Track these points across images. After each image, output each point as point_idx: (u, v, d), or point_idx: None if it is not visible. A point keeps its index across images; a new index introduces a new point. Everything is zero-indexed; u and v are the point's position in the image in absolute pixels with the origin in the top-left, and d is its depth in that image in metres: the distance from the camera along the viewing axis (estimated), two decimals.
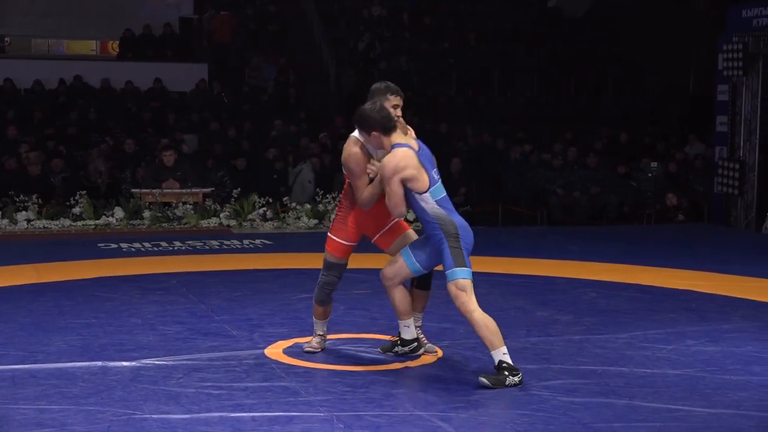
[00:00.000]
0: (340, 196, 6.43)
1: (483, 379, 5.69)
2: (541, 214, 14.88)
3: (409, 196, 5.93)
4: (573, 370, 6.06)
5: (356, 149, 6.04)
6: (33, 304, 7.92)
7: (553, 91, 20.18)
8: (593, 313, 7.78)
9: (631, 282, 9.19)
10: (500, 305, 7.86)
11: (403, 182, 5.87)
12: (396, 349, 6.37)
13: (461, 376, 5.92)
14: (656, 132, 18.17)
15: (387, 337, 6.66)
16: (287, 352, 6.43)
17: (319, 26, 20.85)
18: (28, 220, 12.82)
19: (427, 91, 19.49)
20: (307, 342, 6.51)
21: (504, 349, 5.74)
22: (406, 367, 6.13)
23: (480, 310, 5.78)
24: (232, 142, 16.09)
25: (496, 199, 14.87)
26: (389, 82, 6.33)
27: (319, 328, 6.49)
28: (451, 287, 5.83)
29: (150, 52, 19.95)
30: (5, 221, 12.75)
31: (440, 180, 6.01)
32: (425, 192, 5.88)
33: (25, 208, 12.94)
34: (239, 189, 13.58)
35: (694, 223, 14.54)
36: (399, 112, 6.14)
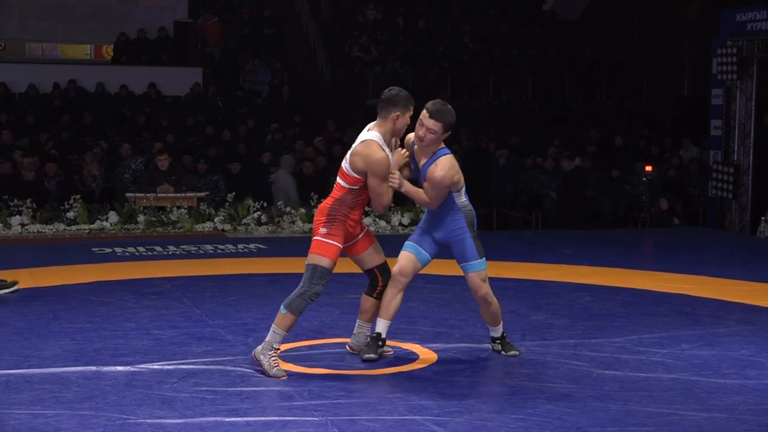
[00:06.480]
0: (326, 202, 6.04)
1: (513, 353, 6.42)
2: (536, 217, 14.89)
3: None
4: (568, 374, 6.06)
5: (383, 154, 5.83)
6: (27, 309, 7.90)
7: (548, 94, 20.21)
8: (588, 317, 7.78)
9: (625, 286, 9.18)
10: None
11: (449, 187, 6.03)
12: (381, 349, 6.29)
13: (456, 380, 5.92)
14: (650, 135, 18.20)
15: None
16: (282, 356, 6.41)
17: (314, 30, 20.87)
18: (23, 225, 12.81)
19: (422, 94, 19.49)
20: (269, 361, 5.94)
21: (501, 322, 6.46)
22: (400, 371, 6.13)
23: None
24: (226, 146, 16.09)
25: (490, 203, 14.88)
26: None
27: (280, 341, 6.03)
28: (475, 277, 6.13)
29: (144, 56, 19.97)
30: None
31: None
32: (462, 188, 6.11)
33: (20, 213, 12.92)
34: (234, 193, 13.56)
35: (688, 227, 14.54)
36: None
